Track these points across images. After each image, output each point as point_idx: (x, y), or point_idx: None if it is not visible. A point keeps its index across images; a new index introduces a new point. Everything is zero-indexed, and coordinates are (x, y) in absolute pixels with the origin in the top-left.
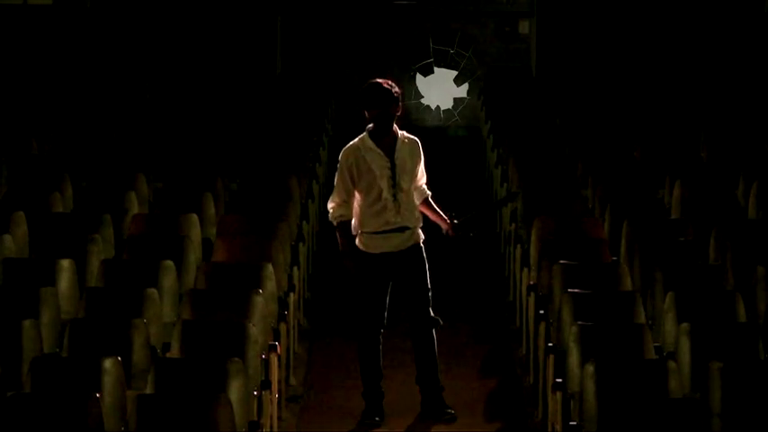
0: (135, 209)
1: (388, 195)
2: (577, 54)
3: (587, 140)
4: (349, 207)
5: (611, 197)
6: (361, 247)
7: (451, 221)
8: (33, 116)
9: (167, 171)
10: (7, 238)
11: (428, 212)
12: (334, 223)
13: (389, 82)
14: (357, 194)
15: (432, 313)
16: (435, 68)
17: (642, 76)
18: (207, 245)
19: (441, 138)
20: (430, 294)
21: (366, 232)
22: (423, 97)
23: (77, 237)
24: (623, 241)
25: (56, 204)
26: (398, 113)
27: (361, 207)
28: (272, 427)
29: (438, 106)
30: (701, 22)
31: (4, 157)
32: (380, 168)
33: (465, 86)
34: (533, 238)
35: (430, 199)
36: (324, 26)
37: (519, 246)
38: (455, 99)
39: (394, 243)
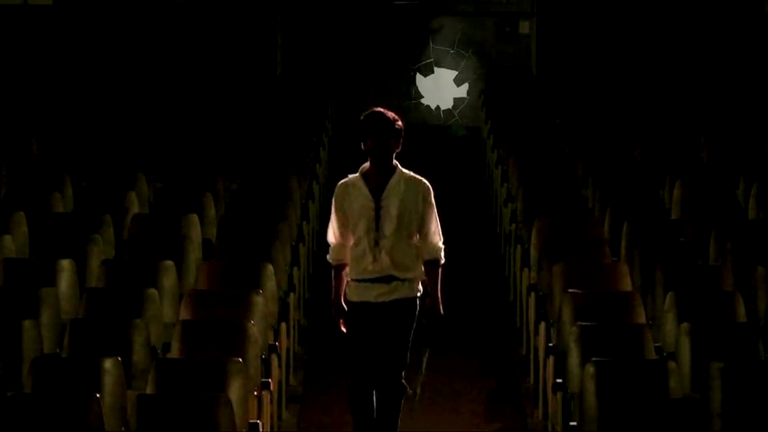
0: (135, 209)
1: (366, 240)
2: (577, 54)
3: (587, 140)
4: (346, 249)
5: (611, 197)
6: (347, 297)
7: (434, 311)
8: (33, 116)
9: (167, 171)
10: (7, 238)
11: (428, 280)
12: (332, 264)
13: (392, 113)
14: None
15: (403, 379)
16: (435, 68)
17: (642, 77)
18: (207, 245)
19: (441, 138)
20: (406, 357)
21: (352, 279)
22: (423, 97)
23: (77, 237)
24: (623, 241)
25: (56, 204)
26: (398, 149)
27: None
28: (272, 427)
29: (438, 106)
30: (701, 22)
31: (4, 157)
32: (362, 209)
33: (465, 86)
34: (533, 238)
35: (439, 267)
36: (324, 26)
37: (519, 246)
38: (455, 99)
39: (373, 293)
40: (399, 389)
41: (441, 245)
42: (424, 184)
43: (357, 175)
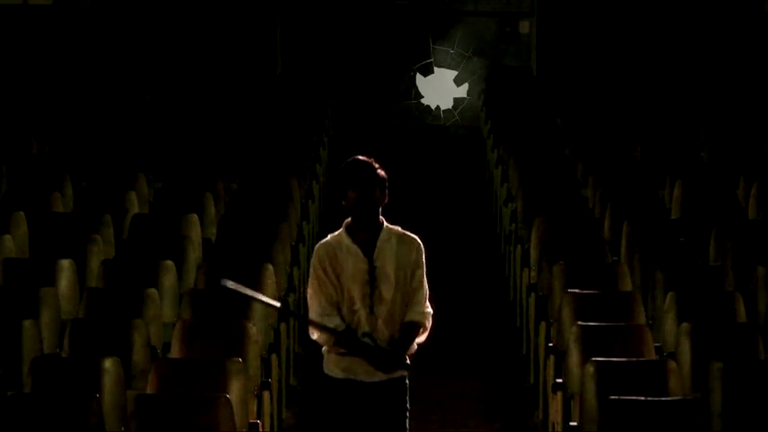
0: (135, 209)
1: (361, 306)
2: (578, 54)
3: (587, 140)
4: (338, 320)
5: (611, 197)
6: (324, 369)
7: (396, 360)
8: (33, 116)
9: (167, 171)
10: (7, 238)
11: (401, 337)
12: (324, 344)
13: (373, 161)
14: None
15: None
16: (435, 68)
17: (642, 76)
18: (207, 245)
19: (441, 138)
20: None
21: (337, 353)
22: (423, 97)
23: (77, 237)
24: (623, 241)
25: (56, 204)
26: (384, 200)
27: None
28: (272, 427)
29: (438, 106)
30: (701, 22)
31: (4, 157)
32: (355, 271)
33: (465, 86)
34: (533, 238)
35: (418, 331)
36: (324, 26)
37: (519, 246)
38: (455, 99)
39: (362, 369)
40: None
41: (428, 311)
42: (417, 241)
43: (341, 232)
